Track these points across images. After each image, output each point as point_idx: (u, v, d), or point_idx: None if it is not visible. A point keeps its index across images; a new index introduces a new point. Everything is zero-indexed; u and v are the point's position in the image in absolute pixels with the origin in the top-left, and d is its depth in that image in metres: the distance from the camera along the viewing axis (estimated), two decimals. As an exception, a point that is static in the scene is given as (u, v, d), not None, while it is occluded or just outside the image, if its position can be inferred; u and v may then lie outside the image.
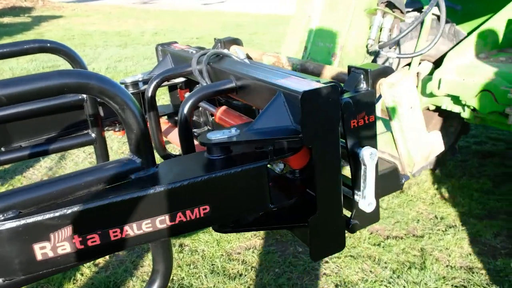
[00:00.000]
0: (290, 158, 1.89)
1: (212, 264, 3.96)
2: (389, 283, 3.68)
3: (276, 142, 1.72)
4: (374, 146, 1.96)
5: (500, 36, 4.73)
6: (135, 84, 2.70)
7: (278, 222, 1.98)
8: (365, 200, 1.92)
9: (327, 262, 3.94)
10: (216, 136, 1.65)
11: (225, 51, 2.53)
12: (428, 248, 4.11)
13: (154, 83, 2.36)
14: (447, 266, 3.88)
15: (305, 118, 1.58)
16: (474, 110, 4.38)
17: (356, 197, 1.94)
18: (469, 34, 4.85)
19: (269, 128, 1.71)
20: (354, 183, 1.88)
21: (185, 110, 1.99)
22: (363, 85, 1.90)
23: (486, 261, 3.91)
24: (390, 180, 2.28)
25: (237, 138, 1.66)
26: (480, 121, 4.52)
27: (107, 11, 21.98)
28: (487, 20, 4.77)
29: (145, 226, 1.37)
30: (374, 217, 2.16)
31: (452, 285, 3.64)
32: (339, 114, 1.71)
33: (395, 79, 2.18)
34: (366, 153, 1.81)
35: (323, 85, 1.64)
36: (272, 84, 1.82)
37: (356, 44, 3.29)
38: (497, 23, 4.68)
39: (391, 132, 2.42)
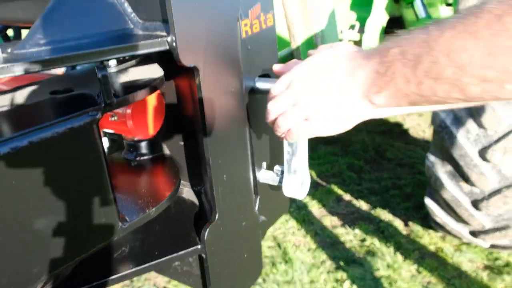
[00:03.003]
0: (134, 110, 0.99)
1: None
2: (257, 292, 2.74)
3: (106, 59, 0.85)
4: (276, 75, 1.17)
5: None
6: None
7: (141, 259, 1.00)
8: (296, 176, 1.08)
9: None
10: None
11: None
12: (279, 235, 3.32)
13: None
14: (309, 250, 3.16)
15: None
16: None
17: (261, 174, 1.17)
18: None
19: (74, 38, 0.82)
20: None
21: None
22: None
23: (343, 232, 3.35)
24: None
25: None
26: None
27: None
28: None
29: None
30: (284, 204, 1.40)
31: (327, 272, 2.92)
32: None
33: None
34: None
35: None
36: None
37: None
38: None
39: (284, 57, 1.48)
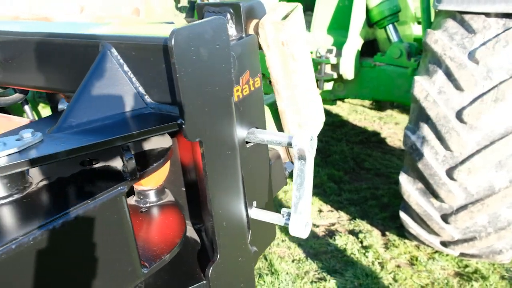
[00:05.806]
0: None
1: None
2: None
3: (128, 142, 0.97)
4: (264, 127, 1.37)
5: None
6: None
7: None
8: (301, 217, 1.23)
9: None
10: None
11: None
12: (265, 247, 3.52)
13: None
14: (293, 261, 3.36)
15: (186, 87, 0.95)
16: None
17: (254, 211, 1.35)
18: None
19: (99, 119, 1.01)
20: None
21: None
22: (232, 31, 1.27)
23: (325, 243, 3.56)
24: (275, 175, 1.59)
25: (39, 150, 0.88)
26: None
27: None
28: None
29: None
30: (272, 233, 1.54)
31: (311, 282, 3.13)
32: (232, 73, 1.11)
33: (280, 13, 1.40)
34: (303, 140, 1.15)
35: (206, 20, 0.99)
36: (86, 37, 1.09)
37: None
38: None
39: (270, 104, 1.68)
